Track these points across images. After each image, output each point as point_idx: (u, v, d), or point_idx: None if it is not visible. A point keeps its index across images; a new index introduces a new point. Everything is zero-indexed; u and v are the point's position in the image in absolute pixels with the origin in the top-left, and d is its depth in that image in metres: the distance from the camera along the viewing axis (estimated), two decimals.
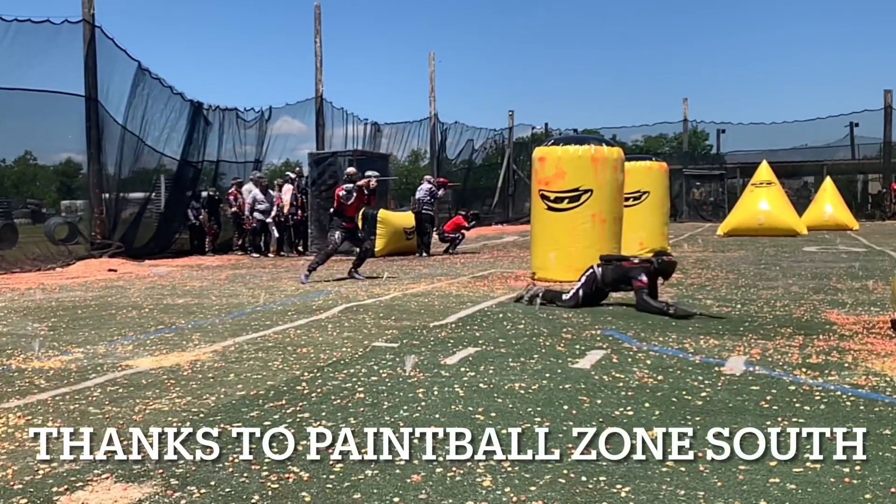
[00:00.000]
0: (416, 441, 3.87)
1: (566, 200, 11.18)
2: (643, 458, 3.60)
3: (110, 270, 13.88)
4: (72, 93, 15.41)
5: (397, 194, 30.54)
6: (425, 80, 30.95)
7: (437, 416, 4.34)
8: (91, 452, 3.76)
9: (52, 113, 15.76)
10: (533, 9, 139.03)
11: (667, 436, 3.91)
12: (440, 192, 18.44)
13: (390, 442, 3.85)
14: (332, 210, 12.26)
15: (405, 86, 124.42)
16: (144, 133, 17.34)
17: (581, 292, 8.53)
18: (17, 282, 12.22)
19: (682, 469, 3.46)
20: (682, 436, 3.92)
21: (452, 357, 5.91)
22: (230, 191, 18.92)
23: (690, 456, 3.62)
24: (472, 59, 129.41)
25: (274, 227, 18.12)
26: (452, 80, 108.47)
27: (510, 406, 4.53)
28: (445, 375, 5.32)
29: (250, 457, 3.67)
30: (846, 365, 5.52)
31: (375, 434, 3.98)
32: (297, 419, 4.30)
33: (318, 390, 4.95)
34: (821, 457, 3.58)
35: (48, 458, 3.71)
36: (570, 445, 3.78)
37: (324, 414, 4.40)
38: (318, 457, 3.66)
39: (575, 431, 4.01)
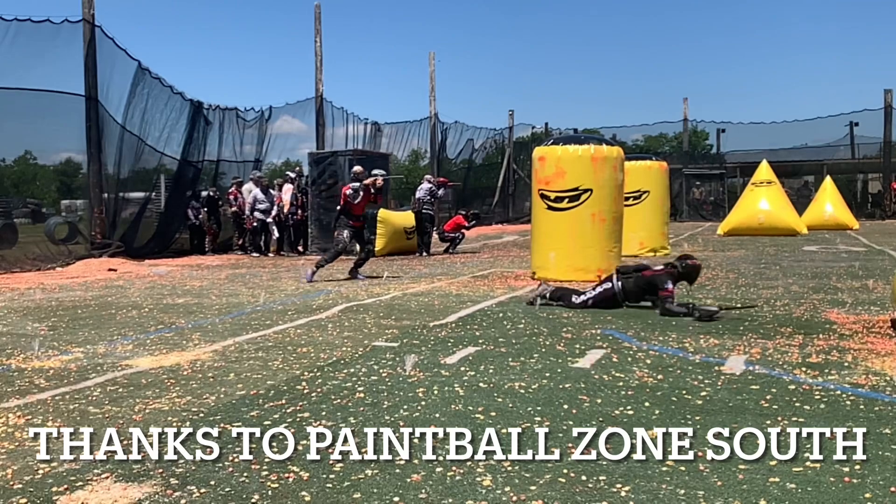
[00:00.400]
0: (416, 440, 3.87)
1: (566, 200, 11.18)
2: (643, 457, 3.60)
3: (110, 270, 13.88)
4: (72, 92, 15.40)
5: (398, 194, 30.55)
6: (425, 79, 30.97)
7: (437, 415, 4.34)
8: (91, 452, 3.76)
9: (52, 113, 15.75)
10: (533, 8, 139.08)
11: (667, 435, 3.91)
12: (440, 192, 18.45)
13: (390, 441, 3.85)
14: (338, 209, 12.26)
15: (405, 85, 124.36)
16: (144, 132, 17.34)
17: (591, 302, 8.31)
18: (17, 281, 12.22)
19: (682, 468, 3.46)
20: (681, 435, 3.92)
21: (452, 356, 5.91)
22: (230, 190, 18.92)
23: (690, 455, 3.62)
24: (473, 59, 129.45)
25: (274, 227, 18.12)
26: (453, 80, 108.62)
27: (510, 405, 4.53)
28: (445, 375, 5.32)
29: (250, 456, 3.67)
30: (846, 364, 5.52)
31: (375, 434, 3.98)
32: (297, 419, 4.30)
33: (318, 390, 4.95)
34: (821, 456, 3.58)
35: (48, 457, 3.71)
36: (570, 445, 3.78)
37: (324, 413, 4.40)
38: (318, 456, 3.66)
39: (575, 431, 4.01)
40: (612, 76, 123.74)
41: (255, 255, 17.70)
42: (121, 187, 17.16)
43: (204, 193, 19.22)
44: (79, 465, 3.59)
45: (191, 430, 4.11)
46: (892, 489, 3.19)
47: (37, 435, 4.06)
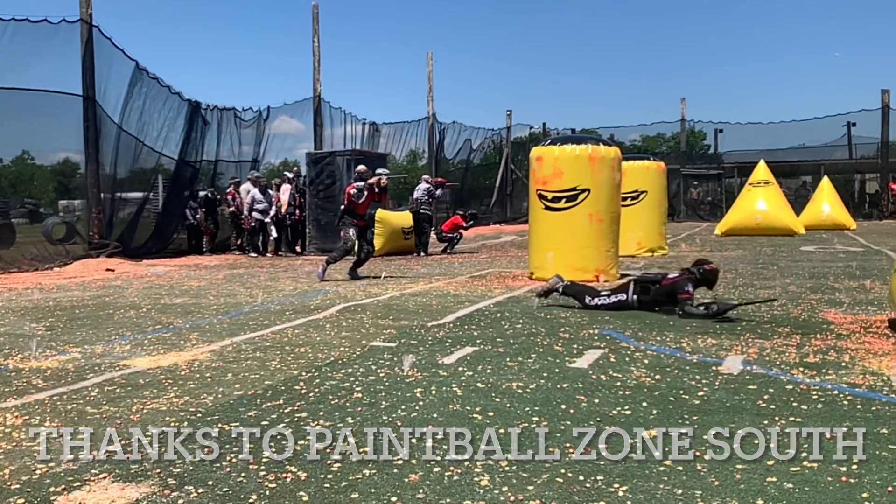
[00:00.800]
0: (414, 441, 3.88)
1: (564, 200, 11.18)
2: (641, 457, 3.61)
3: (108, 270, 13.87)
4: (69, 92, 15.40)
5: (395, 194, 30.52)
6: (423, 79, 31.07)
7: (434, 415, 4.34)
8: (88, 452, 3.77)
9: (50, 112, 15.75)
10: (531, 9, 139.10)
11: (664, 435, 3.92)
12: (438, 192, 18.46)
13: (388, 441, 3.86)
14: (342, 208, 12.25)
15: (403, 85, 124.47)
16: (142, 132, 17.33)
17: (603, 309, 8.14)
18: (15, 282, 12.20)
19: (680, 468, 3.46)
20: (679, 435, 3.93)
21: (450, 357, 5.91)
22: (228, 190, 18.92)
23: (688, 455, 3.62)
24: (470, 59, 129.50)
25: (272, 227, 18.11)
26: (450, 80, 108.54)
27: (508, 405, 4.53)
28: (443, 375, 5.33)
29: (248, 456, 3.67)
30: (844, 364, 5.52)
31: (373, 434, 3.99)
32: (295, 419, 4.30)
33: (316, 390, 4.95)
34: (818, 456, 3.59)
35: (45, 457, 3.71)
36: (567, 445, 3.79)
37: (321, 414, 4.40)
38: (316, 456, 3.66)
39: (573, 431, 4.02)
40: (609, 76, 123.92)
41: (252, 255, 17.70)
42: (118, 187, 17.14)
43: (202, 194, 19.21)
44: (76, 466, 3.59)
45: (188, 430, 4.11)
46: (890, 489, 3.19)
47: (34, 435, 4.06)
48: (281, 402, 4.67)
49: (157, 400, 4.77)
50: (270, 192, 18.30)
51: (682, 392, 4.79)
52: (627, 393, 4.79)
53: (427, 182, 18.02)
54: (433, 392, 4.85)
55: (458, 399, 4.68)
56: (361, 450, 3.74)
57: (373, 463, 3.57)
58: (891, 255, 15.16)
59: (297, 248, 18.44)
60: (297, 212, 18.21)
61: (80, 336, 7.16)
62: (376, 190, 12.02)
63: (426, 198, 17.50)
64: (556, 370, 5.43)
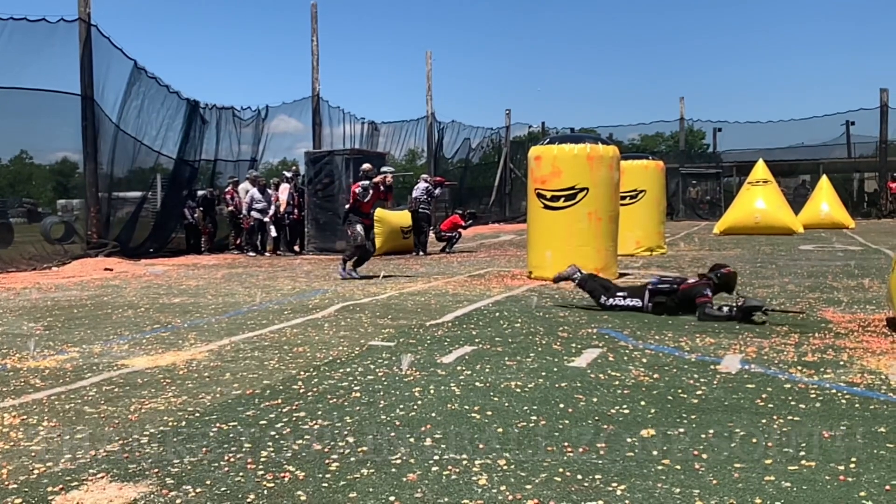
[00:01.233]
0: (412, 440, 3.88)
1: (562, 199, 11.18)
2: (639, 456, 3.61)
3: (106, 270, 13.85)
4: (68, 91, 15.37)
5: (394, 193, 30.50)
6: (422, 79, 31.05)
7: (433, 414, 4.34)
8: (86, 452, 3.76)
9: (48, 112, 15.72)
10: (530, 8, 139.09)
11: (662, 434, 3.93)
12: (437, 191, 18.45)
13: (387, 441, 3.86)
14: (347, 207, 12.24)
15: (402, 85, 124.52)
16: (141, 132, 17.31)
17: (617, 310, 8.03)
18: (13, 281, 12.20)
19: (678, 467, 3.46)
20: (677, 434, 3.93)
21: (449, 356, 5.91)
22: (226, 189, 18.91)
23: (686, 454, 3.63)
24: (469, 58, 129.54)
25: (272, 227, 18.10)
26: (449, 79, 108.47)
27: (506, 405, 4.53)
28: (442, 374, 5.33)
29: (246, 456, 3.67)
30: (842, 363, 5.53)
31: (372, 433, 3.99)
32: (293, 418, 4.30)
33: (314, 389, 4.95)
34: (816, 455, 3.59)
35: (43, 457, 3.70)
36: (565, 444, 3.79)
37: (320, 413, 4.40)
38: (314, 456, 3.66)
39: (571, 430, 4.02)
40: (609, 75, 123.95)
41: (251, 254, 17.69)
42: (117, 187, 17.12)
43: (200, 193, 19.19)
44: (74, 465, 3.58)
45: (187, 429, 4.12)
46: (888, 487, 3.19)
47: (32, 435, 4.06)
48: (279, 401, 4.67)
49: (155, 399, 4.77)
50: (269, 191, 18.29)
51: (680, 391, 4.79)
52: (626, 392, 4.79)
53: (426, 181, 18.01)
54: (431, 391, 4.85)
55: (456, 398, 4.68)
56: (360, 449, 3.74)
57: (371, 462, 3.57)
58: (889, 254, 15.16)
59: (296, 248, 18.42)
60: (296, 211, 18.19)
61: (78, 336, 7.16)
62: (382, 188, 12.01)
63: (425, 197, 17.49)
64: (555, 369, 5.43)
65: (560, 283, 9.18)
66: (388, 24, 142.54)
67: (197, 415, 4.41)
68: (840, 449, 3.67)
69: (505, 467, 3.48)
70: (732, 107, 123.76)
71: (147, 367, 5.72)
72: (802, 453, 3.61)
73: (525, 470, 3.45)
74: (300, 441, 3.88)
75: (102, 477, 3.43)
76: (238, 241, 18.71)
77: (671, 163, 32.83)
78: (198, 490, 3.26)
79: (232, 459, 3.63)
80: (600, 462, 3.54)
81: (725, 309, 7.38)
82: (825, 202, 27.00)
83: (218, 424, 4.20)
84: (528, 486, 3.25)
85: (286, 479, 3.38)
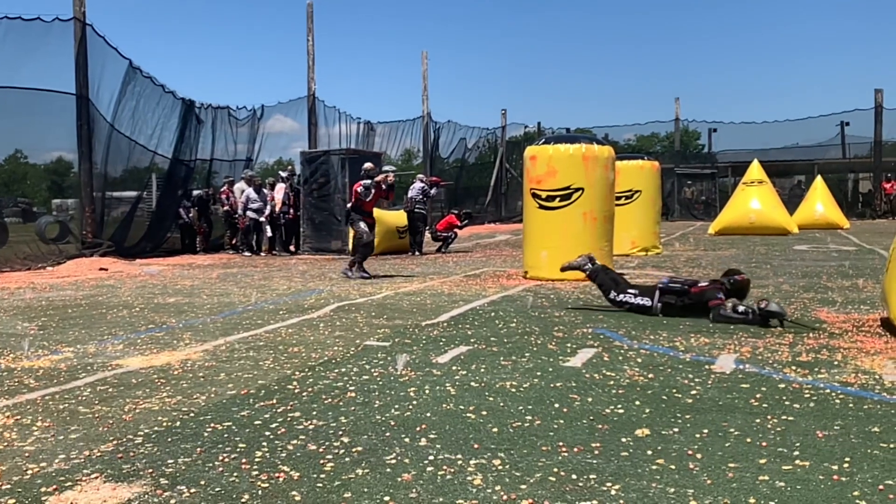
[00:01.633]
0: (407, 440, 3.88)
1: (558, 199, 11.20)
2: (633, 456, 3.61)
3: (101, 269, 13.83)
4: (62, 91, 15.34)
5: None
6: (418, 78, 30.95)
7: (428, 414, 4.34)
8: (80, 452, 3.76)
9: (43, 111, 15.68)
10: (526, 8, 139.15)
11: (657, 434, 3.93)
12: (433, 191, 18.46)
13: (381, 441, 3.86)
14: (349, 206, 12.23)
15: (398, 85, 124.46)
16: (136, 131, 17.28)
17: (626, 307, 7.97)
18: (8, 281, 12.16)
19: (672, 467, 3.46)
20: (672, 434, 3.94)
21: (444, 356, 5.91)
22: (222, 189, 18.89)
23: (680, 454, 3.63)
24: (466, 58, 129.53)
25: (267, 226, 18.08)
26: (445, 79, 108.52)
27: (501, 404, 4.53)
28: (437, 374, 5.33)
29: (241, 456, 3.67)
30: (836, 363, 5.54)
31: (366, 433, 3.99)
32: (288, 418, 4.29)
33: (310, 389, 4.94)
34: (810, 455, 3.60)
35: (37, 457, 3.69)
36: (560, 443, 3.79)
37: (315, 413, 4.39)
38: (308, 456, 3.66)
39: (566, 429, 4.02)
40: (604, 76, 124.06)
41: (246, 254, 17.68)
42: (112, 186, 17.09)
43: (196, 193, 19.16)
44: (68, 466, 3.58)
45: (181, 429, 4.11)
46: (881, 487, 3.20)
47: (26, 435, 4.05)
48: (274, 401, 4.66)
49: (149, 399, 4.76)
50: (265, 191, 18.27)
51: (674, 391, 4.80)
52: (620, 392, 4.80)
53: (422, 181, 18.02)
54: (427, 391, 4.85)
55: (451, 398, 4.68)
56: (354, 449, 3.74)
57: (366, 462, 3.57)
58: (883, 255, 15.19)
59: (292, 248, 18.41)
60: (292, 211, 18.18)
61: (72, 335, 7.14)
62: (384, 187, 12.02)
63: (421, 197, 17.49)
64: (550, 369, 5.44)
65: (565, 272, 9.09)
66: (384, 23, 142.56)
67: (191, 415, 4.40)
68: (834, 449, 3.68)
69: (500, 467, 3.49)
70: (728, 107, 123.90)
71: (142, 367, 5.71)
72: (797, 453, 3.62)
73: (520, 470, 3.45)
74: (295, 441, 3.88)
75: (96, 477, 3.42)
76: (233, 241, 18.68)
77: (666, 163, 32.86)
78: (192, 490, 3.26)
79: (226, 459, 3.63)
80: (595, 462, 3.54)
81: (741, 309, 7.20)
82: (820, 202, 27.06)
83: (212, 424, 4.19)
84: (523, 486, 3.25)
85: (281, 479, 3.38)
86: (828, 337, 6.52)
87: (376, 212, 16.59)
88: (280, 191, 18.22)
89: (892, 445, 3.73)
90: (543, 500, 3.11)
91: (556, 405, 4.50)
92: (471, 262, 14.95)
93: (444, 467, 3.49)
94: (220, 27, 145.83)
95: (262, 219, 17.91)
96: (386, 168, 12.35)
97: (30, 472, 3.50)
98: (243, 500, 3.15)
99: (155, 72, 18.49)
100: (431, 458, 3.61)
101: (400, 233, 17.39)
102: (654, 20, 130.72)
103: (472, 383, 5.05)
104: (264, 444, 3.84)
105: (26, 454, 3.74)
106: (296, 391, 4.90)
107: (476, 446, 3.77)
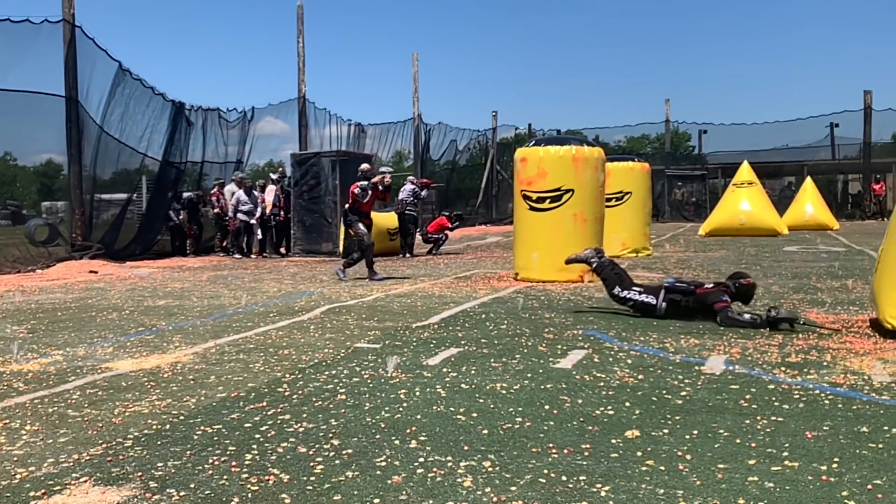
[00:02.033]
0: (397, 442, 3.88)
1: (548, 200, 11.22)
2: (623, 457, 3.62)
3: (91, 272, 13.78)
4: (52, 93, 15.30)
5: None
6: (409, 80, 30.99)
7: (418, 416, 4.34)
8: (69, 456, 3.74)
9: (33, 113, 15.64)
10: (517, 10, 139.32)
11: (647, 435, 3.94)
12: (423, 193, 18.47)
13: (371, 443, 3.86)
14: (346, 207, 12.22)
15: (389, 86, 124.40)
16: (126, 134, 17.23)
17: (630, 304, 7.88)
18: None
19: (662, 468, 3.47)
20: (662, 435, 3.94)
21: (435, 358, 5.91)
22: (212, 191, 18.84)
23: (670, 455, 3.64)
24: (456, 60, 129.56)
25: (258, 228, 18.06)
26: (436, 81, 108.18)
27: (491, 406, 4.53)
28: (427, 376, 5.32)
29: (230, 459, 3.66)
30: (825, 364, 5.56)
31: (357, 435, 3.98)
32: (278, 421, 4.28)
33: (300, 392, 4.94)
34: (799, 455, 3.61)
35: (26, 461, 3.68)
36: (550, 445, 3.79)
37: (305, 415, 4.39)
38: (298, 458, 3.65)
39: (556, 431, 4.03)
40: (595, 78, 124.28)
41: (237, 256, 17.64)
42: (102, 189, 17.04)
43: (186, 195, 19.11)
44: (57, 470, 3.56)
45: (171, 432, 4.10)
46: (869, 487, 3.21)
47: (15, 439, 4.03)
48: (264, 404, 4.65)
49: (139, 402, 4.74)
50: (255, 193, 18.24)
51: (664, 392, 4.81)
52: (610, 393, 4.80)
53: (412, 183, 18.02)
54: (417, 393, 4.85)
55: (442, 400, 4.68)
56: (344, 451, 3.74)
57: (356, 464, 3.56)
58: (873, 255, 15.25)
59: (282, 250, 18.38)
60: (282, 213, 18.15)
61: (62, 338, 7.11)
62: (380, 188, 12.02)
63: (411, 199, 17.49)
64: (540, 371, 5.44)
65: (570, 264, 9.13)
66: (374, 25, 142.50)
67: (181, 418, 4.39)
68: (823, 449, 3.70)
69: (490, 469, 3.49)
70: (718, 109, 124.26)
71: (131, 370, 5.69)
72: (786, 454, 3.63)
73: (510, 471, 3.45)
74: (285, 444, 3.87)
75: (85, 481, 3.41)
76: (224, 244, 18.65)
77: (657, 164, 32.97)
78: (181, 493, 3.25)
79: (216, 462, 3.62)
80: (585, 463, 3.55)
81: (747, 316, 7.17)
82: (809, 203, 27.19)
83: (202, 427, 4.18)
84: (513, 488, 3.26)
85: (271, 481, 3.37)
86: (817, 338, 6.55)
87: None
88: (270, 193, 18.19)
89: (880, 446, 3.74)
90: (533, 502, 3.11)
91: (547, 407, 4.50)
92: (462, 263, 14.95)
93: (435, 469, 3.49)
94: (210, 29, 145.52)
95: (253, 221, 17.88)
96: (383, 169, 12.35)
97: (18, 476, 3.49)
98: (233, 503, 3.15)
99: (145, 73, 18.51)
100: (422, 460, 3.61)
101: (391, 235, 17.39)
102: (645, 22, 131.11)
103: (463, 385, 5.05)
104: (254, 446, 3.84)
105: (15, 458, 3.73)
106: (286, 394, 4.89)
107: (466, 448, 3.77)
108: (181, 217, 18.55)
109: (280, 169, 20.29)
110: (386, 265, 14.69)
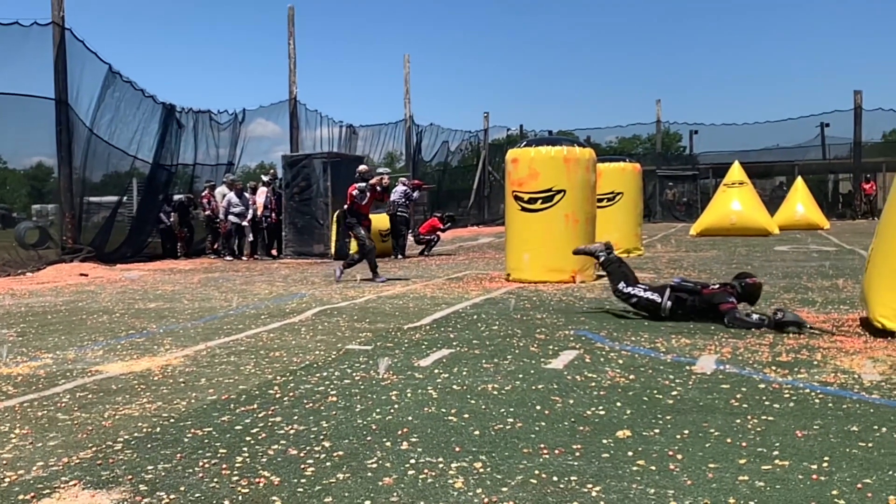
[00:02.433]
0: (388, 444, 3.87)
1: (539, 201, 11.22)
2: (614, 457, 3.62)
3: (81, 275, 13.73)
4: (41, 96, 15.24)
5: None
6: (400, 81, 31.03)
7: (410, 418, 4.33)
8: (59, 459, 3.72)
9: (22, 116, 15.56)
10: (508, 11, 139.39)
11: (638, 435, 3.94)
12: (415, 195, 18.44)
13: (363, 445, 3.85)
14: (345, 209, 12.21)
15: (380, 88, 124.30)
16: (116, 136, 17.17)
17: (634, 301, 7.82)
18: None
19: (653, 468, 3.48)
20: (653, 435, 3.95)
21: (426, 359, 5.91)
22: (203, 194, 18.79)
23: (661, 455, 3.64)
24: (448, 61, 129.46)
25: (249, 230, 18.01)
26: (428, 82, 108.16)
27: (483, 407, 4.53)
28: (419, 377, 5.32)
29: (221, 462, 3.64)
30: (815, 363, 5.58)
31: (348, 437, 3.98)
32: (269, 423, 4.27)
33: (291, 394, 4.92)
34: (789, 454, 3.62)
35: (15, 465, 3.66)
36: (542, 446, 3.79)
37: (296, 417, 4.38)
38: (289, 461, 3.64)
39: (547, 432, 4.03)
40: (586, 78, 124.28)
41: (228, 258, 17.60)
42: (92, 191, 16.97)
43: (177, 197, 19.04)
44: (46, 473, 3.55)
45: (161, 435, 4.08)
46: (859, 486, 3.23)
47: (4, 443, 4.01)
48: (255, 406, 4.64)
49: (129, 406, 4.73)
50: (246, 195, 18.20)
51: (655, 392, 4.82)
52: (602, 393, 4.81)
53: (404, 184, 18.01)
54: (409, 395, 4.85)
55: (433, 401, 4.68)
56: (336, 453, 3.73)
57: (347, 466, 3.56)
58: (863, 255, 15.32)
59: (273, 252, 18.34)
60: (273, 215, 18.12)
61: (52, 342, 7.09)
62: (378, 189, 12.01)
63: (403, 200, 17.48)
64: (532, 371, 5.44)
65: (578, 256, 9.22)
66: (365, 27, 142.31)
67: (172, 421, 4.37)
68: (813, 448, 3.71)
69: (481, 470, 3.49)
70: (709, 109, 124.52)
71: (122, 372, 5.67)
72: (776, 453, 3.64)
73: (501, 472, 3.45)
74: (276, 446, 3.86)
75: (75, 484, 3.39)
76: (215, 246, 18.59)
77: (648, 165, 33.02)
78: (172, 496, 3.24)
79: (206, 465, 3.61)
80: (576, 464, 3.55)
81: (755, 317, 7.13)
82: (800, 203, 27.26)
83: (193, 430, 4.17)
84: (505, 489, 3.26)
85: (261, 484, 3.36)
86: (807, 337, 6.57)
87: None
88: (262, 195, 18.15)
89: (870, 444, 3.76)
90: (525, 503, 3.11)
91: (538, 407, 4.50)
92: (453, 265, 14.95)
93: (426, 471, 3.48)
94: (201, 31, 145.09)
95: (244, 223, 17.84)
96: (380, 170, 12.35)
97: (7, 480, 3.47)
98: None
99: (135, 76, 18.48)
100: (413, 461, 3.61)
101: (382, 236, 17.36)
102: (636, 23, 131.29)
103: (454, 386, 5.04)
104: (245, 449, 3.83)
105: (4, 462, 3.71)
106: (277, 396, 4.88)
107: (458, 449, 3.76)
108: (172, 219, 18.49)
109: (271, 171, 20.26)
110: (378, 267, 14.66)
